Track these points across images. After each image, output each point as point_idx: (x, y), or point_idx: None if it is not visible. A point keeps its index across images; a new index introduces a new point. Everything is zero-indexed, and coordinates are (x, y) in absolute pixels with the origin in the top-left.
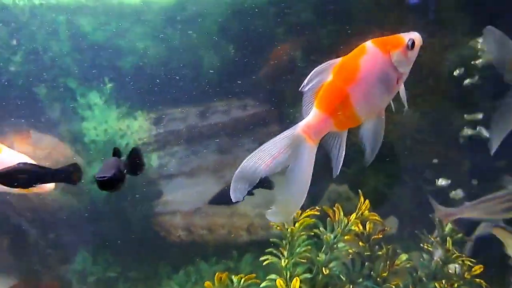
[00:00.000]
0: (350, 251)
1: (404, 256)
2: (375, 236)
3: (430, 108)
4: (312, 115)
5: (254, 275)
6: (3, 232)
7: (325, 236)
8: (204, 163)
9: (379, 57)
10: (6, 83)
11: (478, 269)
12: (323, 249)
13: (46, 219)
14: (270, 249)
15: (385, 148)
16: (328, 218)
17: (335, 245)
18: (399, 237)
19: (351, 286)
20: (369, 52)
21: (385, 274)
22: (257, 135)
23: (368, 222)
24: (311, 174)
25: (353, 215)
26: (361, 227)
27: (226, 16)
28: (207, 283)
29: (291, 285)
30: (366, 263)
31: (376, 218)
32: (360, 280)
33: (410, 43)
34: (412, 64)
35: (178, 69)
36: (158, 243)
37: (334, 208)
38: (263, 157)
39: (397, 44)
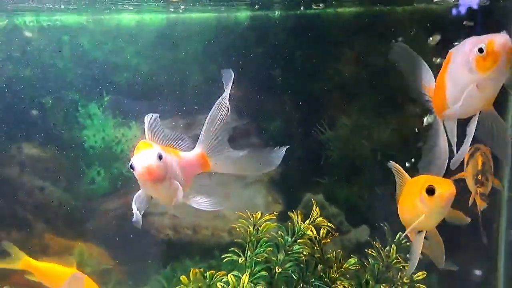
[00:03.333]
0: (304, 253)
1: (353, 260)
2: (325, 241)
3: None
4: None
5: (224, 272)
6: (11, 225)
7: (279, 238)
8: None
9: None
10: (17, 94)
11: (421, 275)
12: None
13: (47, 214)
14: (232, 248)
15: (359, 161)
16: (289, 223)
17: (291, 248)
18: (369, 245)
19: (303, 285)
20: None
21: (333, 276)
22: (238, 147)
23: (322, 228)
24: None
25: (307, 221)
26: (315, 232)
27: (211, 37)
28: (182, 277)
29: (241, 281)
30: (320, 265)
31: (328, 224)
32: (312, 280)
33: None
34: None
35: (168, 84)
36: (148, 240)
37: (293, 214)
38: None
39: None
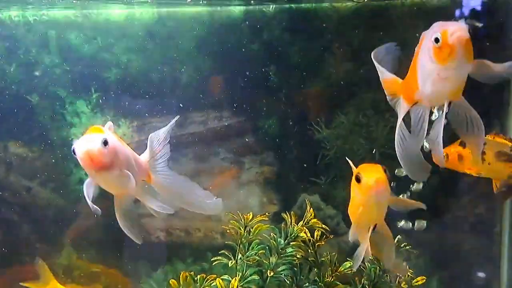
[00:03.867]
0: (298, 256)
1: (348, 264)
2: (319, 243)
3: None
4: None
5: (215, 275)
6: None
7: (271, 241)
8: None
9: None
10: (2, 91)
11: (420, 280)
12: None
13: (35, 215)
14: (223, 251)
15: (356, 161)
16: (282, 225)
17: (284, 250)
18: None
19: None
20: None
21: (328, 280)
22: (232, 145)
23: (316, 230)
24: None
25: (300, 223)
26: (308, 234)
27: (203, 32)
28: (172, 281)
29: (230, 285)
30: (314, 269)
31: (322, 226)
32: (306, 284)
33: None
34: None
35: (158, 81)
36: (138, 243)
37: (286, 215)
38: None
39: None
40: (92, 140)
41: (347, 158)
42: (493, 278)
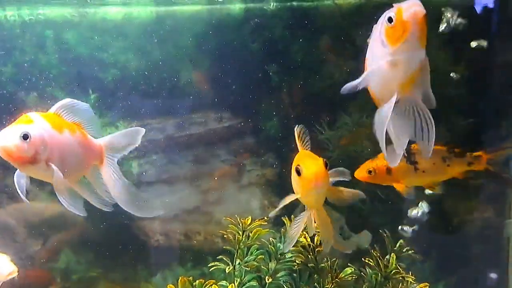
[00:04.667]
0: (297, 261)
1: (349, 270)
2: (319, 248)
3: None
4: None
5: (213, 281)
6: None
7: (270, 246)
8: (181, 172)
9: None
10: None
11: (423, 286)
12: (271, 258)
13: (32, 220)
14: (221, 256)
15: (360, 162)
16: (282, 229)
17: (283, 256)
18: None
19: None
20: None
21: (328, 286)
22: (232, 147)
23: (316, 235)
24: None
25: None
26: (308, 240)
27: (202, 31)
28: (170, 286)
29: None
30: (315, 275)
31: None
32: None
33: None
34: None
35: (157, 81)
36: (137, 246)
37: (285, 220)
38: None
39: None
40: (9, 134)
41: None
42: (500, 283)
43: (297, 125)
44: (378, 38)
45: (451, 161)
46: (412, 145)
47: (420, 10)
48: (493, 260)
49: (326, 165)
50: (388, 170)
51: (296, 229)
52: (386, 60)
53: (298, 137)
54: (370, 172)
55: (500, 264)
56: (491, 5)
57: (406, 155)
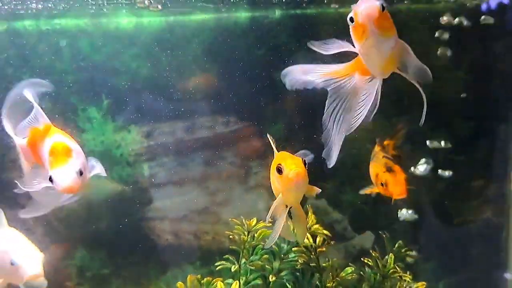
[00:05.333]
0: (300, 261)
1: (349, 269)
2: (320, 249)
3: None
4: None
5: (221, 279)
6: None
7: (274, 246)
8: (190, 174)
9: None
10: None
11: (420, 285)
12: (275, 258)
13: (47, 217)
14: (227, 256)
15: (363, 165)
16: None
17: (286, 256)
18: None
19: None
20: None
21: (329, 285)
22: (239, 149)
23: (318, 236)
24: None
25: None
26: (311, 240)
27: (210, 39)
28: (179, 283)
29: None
30: (316, 274)
31: (323, 231)
32: None
33: None
34: None
35: (167, 87)
36: (148, 245)
37: (289, 221)
38: None
39: None
40: (69, 174)
41: (268, 136)
42: (499, 283)
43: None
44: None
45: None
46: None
47: (373, 9)
48: (492, 260)
49: (305, 164)
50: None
51: (278, 223)
52: (360, 53)
53: (273, 142)
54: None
55: (500, 264)
56: None
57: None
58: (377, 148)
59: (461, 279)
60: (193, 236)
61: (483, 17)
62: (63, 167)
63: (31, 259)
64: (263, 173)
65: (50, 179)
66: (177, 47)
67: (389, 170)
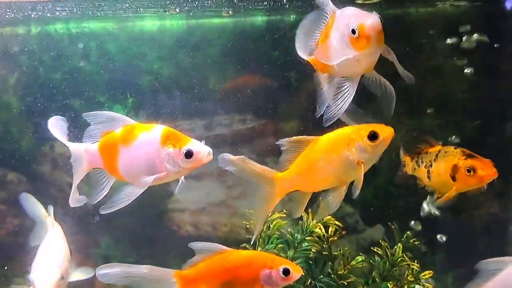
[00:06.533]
0: (313, 250)
1: (360, 258)
2: (332, 238)
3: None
4: None
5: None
6: None
7: (288, 236)
8: (209, 169)
9: None
10: (50, 97)
11: (428, 274)
12: (289, 247)
13: (76, 210)
14: (244, 244)
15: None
16: (300, 221)
17: (300, 245)
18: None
19: (311, 281)
20: None
21: (341, 272)
22: (255, 146)
23: (330, 227)
24: None
25: (315, 219)
26: (323, 230)
27: (228, 41)
28: None
29: None
30: (329, 263)
31: (335, 222)
32: (321, 276)
33: None
34: None
35: (188, 87)
36: (169, 236)
37: (303, 213)
38: None
39: None
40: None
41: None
42: None
43: None
44: (342, 37)
45: None
46: None
47: (378, 23)
48: (499, 253)
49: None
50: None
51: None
52: (351, 56)
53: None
54: (469, 170)
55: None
56: None
57: None
58: (438, 146)
59: (468, 271)
60: (212, 227)
61: None
62: (195, 142)
63: (44, 279)
64: (277, 168)
65: (188, 154)
66: (198, 48)
67: (470, 156)
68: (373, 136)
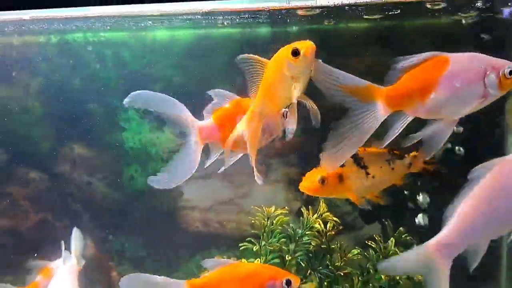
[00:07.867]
0: (313, 244)
1: (355, 251)
2: (330, 233)
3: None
4: None
5: (243, 259)
6: (62, 215)
7: (290, 230)
8: (217, 169)
9: None
10: (69, 102)
11: None
12: (291, 241)
13: (93, 206)
14: (249, 238)
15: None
16: (301, 217)
17: (300, 239)
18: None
19: (310, 272)
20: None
21: (338, 264)
22: (261, 148)
23: (328, 222)
24: None
25: (315, 215)
26: (322, 226)
27: (235, 49)
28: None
29: None
30: (327, 256)
31: (333, 218)
32: (320, 268)
33: None
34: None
35: (196, 93)
36: (179, 232)
37: (303, 209)
38: None
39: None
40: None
41: None
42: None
43: None
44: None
45: (394, 163)
46: (360, 149)
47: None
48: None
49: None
50: (340, 177)
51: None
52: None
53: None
54: (322, 181)
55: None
56: None
57: (354, 159)
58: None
59: (466, 266)
60: (219, 224)
61: None
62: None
63: None
64: (282, 169)
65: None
66: (206, 57)
67: None
68: (295, 53)
